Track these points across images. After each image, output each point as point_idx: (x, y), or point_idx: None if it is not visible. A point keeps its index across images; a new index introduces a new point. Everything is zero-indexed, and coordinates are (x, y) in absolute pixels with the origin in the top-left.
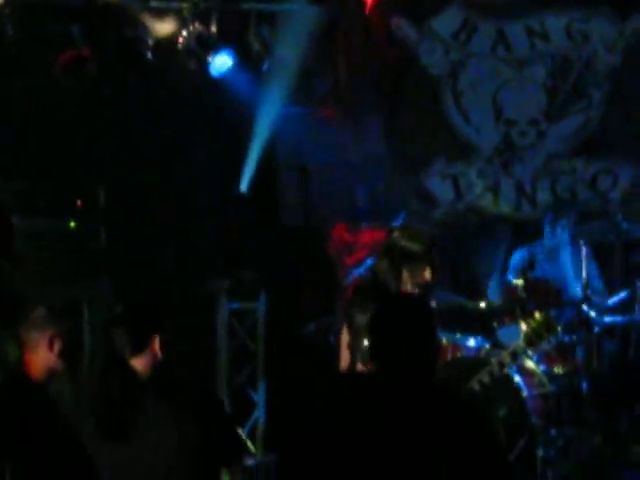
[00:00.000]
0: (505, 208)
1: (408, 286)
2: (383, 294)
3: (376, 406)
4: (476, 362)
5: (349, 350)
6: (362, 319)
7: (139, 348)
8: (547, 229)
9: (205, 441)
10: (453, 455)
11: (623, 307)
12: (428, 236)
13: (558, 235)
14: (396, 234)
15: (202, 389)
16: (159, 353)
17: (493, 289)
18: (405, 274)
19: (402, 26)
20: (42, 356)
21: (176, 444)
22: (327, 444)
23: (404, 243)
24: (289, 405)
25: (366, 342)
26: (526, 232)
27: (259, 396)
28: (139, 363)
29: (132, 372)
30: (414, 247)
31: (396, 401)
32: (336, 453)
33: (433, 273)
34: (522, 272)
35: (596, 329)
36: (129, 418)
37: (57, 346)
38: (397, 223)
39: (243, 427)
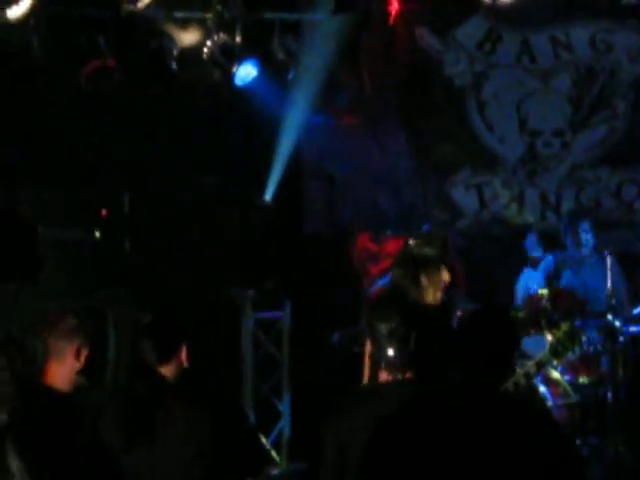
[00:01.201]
0: (530, 218)
1: (429, 291)
2: (404, 304)
3: (458, 417)
4: None
5: (370, 360)
6: (384, 329)
7: (166, 358)
8: (570, 239)
9: (228, 451)
10: (535, 465)
11: None
12: (440, 238)
13: (583, 244)
14: (410, 242)
15: (227, 399)
16: (185, 362)
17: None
18: (423, 280)
19: (426, 36)
20: (69, 365)
21: (200, 452)
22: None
23: (417, 250)
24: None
25: (390, 352)
26: (552, 242)
27: (284, 406)
28: (166, 371)
29: (160, 380)
30: (427, 252)
31: (481, 412)
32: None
33: (451, 274)
34: (547, 282)
35: (621, 339)
36: (156, 426)
37: (83, 356)
38: (423, 232)
39: (268, 437)
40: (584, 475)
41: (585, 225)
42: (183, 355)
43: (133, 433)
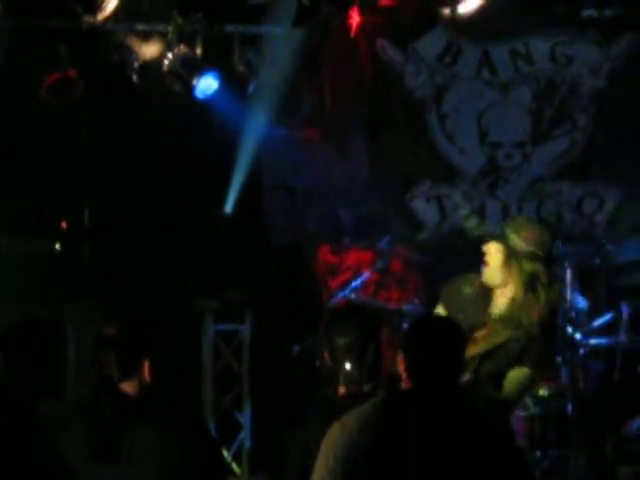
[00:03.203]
0: (490, 230)
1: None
2: (361, 317)
3: (411, 422)
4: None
5: (329, 373)
6: (342, 342)
7: (128, 373)
8: None
9: (193, 466)
10: (480, 467)
11: (608, 329)
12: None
13: None
14: None
15: (189, 413)
16: (147, 377)
17: None
18: None
19: (387, 49)
20: None
21: (164, 469)
22: (362, 461)
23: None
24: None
25: (347, 366)
26: None
27: (245, 417)
28: (128, 387)
29: (123, 396)
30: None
31: (432, 416)
32: (372, 470)
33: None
34: None
35: (581, 351)
36: (120, 441)
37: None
38: (382, 245)
39: (229, 448)
40: None
41: None
42: (146, 370)
43: (98, 451)
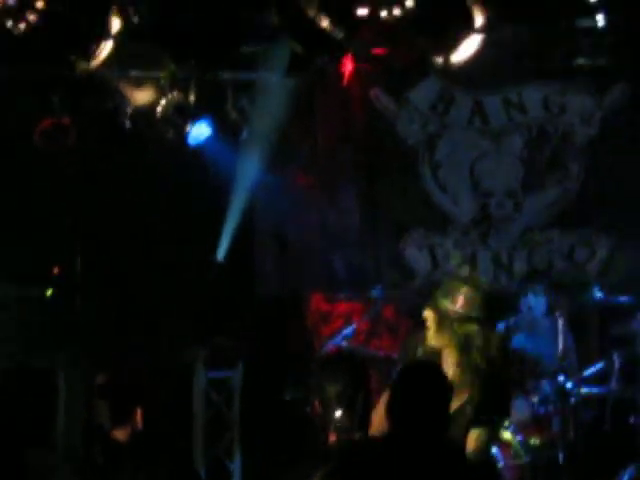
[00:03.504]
0: (482, 281)
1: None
2: (351, 365)
3: (393, 467)
4: None
5: (320, 421)
6: (332, 390)
7: (121, 420)
8: (523, 300)
9: None
10: None
11: (599, 378)
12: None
13: (534, 306)
14: None
15: (180, 461)
16: (139, 424)
17: None
18: None
19: (380, 97)
20: None
21: None
22: None
23: None
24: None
25: (338, 413)
26: (504, 305)
27: (235, 465)
28: (120, 434)
29: (115, 443)
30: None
31: (415, 462)
32: None
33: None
34: None
35: (572, 400)
36: None
37: None
38: (375, 294)
39: None
40: None
41: (537, 288)
42: (138, 417)
43: None
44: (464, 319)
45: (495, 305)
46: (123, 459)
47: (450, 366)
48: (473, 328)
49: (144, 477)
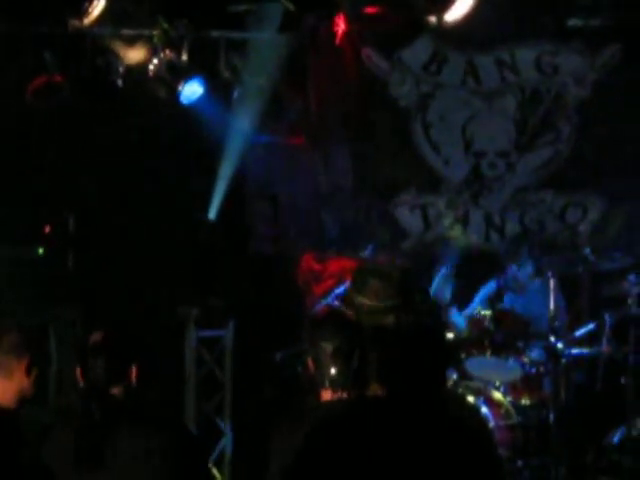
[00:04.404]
0: (474, 239)
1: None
2: (346, 322)
3: (388, 429)
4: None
5: (314, 380)
6: (329, 348)
7: (117, 379)
8: (512, 262)
9: (179, 472)
10: (460, 478)
11: (590, 339)
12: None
13: (524, 268)
14: None
15: (174, 419)
16: (134, 382)
17: (458, 320)
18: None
19: (372, 57)
20: (17, 382)
21: (146, 473)
22: (338, 469)
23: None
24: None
25: (333, 371)
26: (495, 264)
27: (226, 424)
28: (115, 391)
29: (113, 400)
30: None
31: (409, 424)
32: (347, 477)
33: None
34: (490, 303)
35: (563, 361)
36: (106, 447)
37: (34, 372)
38: (366, 253)
39: (210, 455)
40: None
41: (527, 249)
42: (133, 375)
43: (82, 456)
44: (374, 311)
45: (486, 265)
46: (120, 416)
47: None
48: (386, 319)
49: (141, 433)
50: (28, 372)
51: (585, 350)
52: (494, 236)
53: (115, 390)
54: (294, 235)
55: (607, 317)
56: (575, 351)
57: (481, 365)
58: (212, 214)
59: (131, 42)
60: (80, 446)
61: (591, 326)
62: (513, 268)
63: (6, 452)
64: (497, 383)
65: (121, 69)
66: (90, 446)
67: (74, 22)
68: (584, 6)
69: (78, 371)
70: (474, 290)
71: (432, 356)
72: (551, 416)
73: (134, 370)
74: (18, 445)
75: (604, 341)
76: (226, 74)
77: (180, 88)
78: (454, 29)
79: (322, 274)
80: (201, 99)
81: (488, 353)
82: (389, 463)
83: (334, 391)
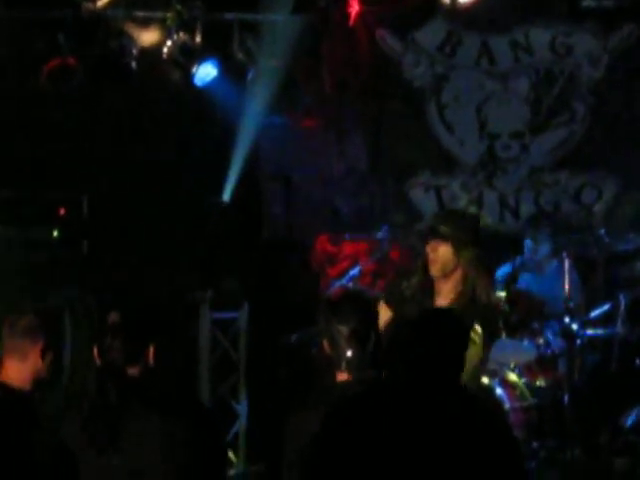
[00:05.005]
0: (488, 220)
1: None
2: (362, 304)
3: (405, 412)
4: None
5: (329, 362)
6: (345, 330)
7: (134, 359)
8: (529, 242)
9: (191, 450)
10: (478, 461)
11: (605, 320)
12: None
13: (540, 248)
14: None
15: (189, 398)
16: (152, 362)
17: None
18: None
19: (386, 38)
20: (31, 365)
21: (163, 453)
22: (355, 451)
23: None
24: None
25: (349, 352)
26: (510, 245)
27: (241, 407)
28: (133, 371)
29: (129, 379)
30: None
31: (425, 406)
32: (365, 460)
33: None
34: (505, 284)
35: (578, 342)
36: (122, 428)
37: (49, 356)
38: (380, 235)
39: (225, 437)
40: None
41: (538, 235)
42: (150, 356)
43: (97, 437)
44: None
45: (501, 246)
46: (135, 396)
47: (451, 287)
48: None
49: (156, 412)
50: (43, 355)
51: (600, 331)
52: (509, 217)
53: (132, 370)
54: (308, 217)
55: (622, 298)
56: (590, 332)
57: (496, 346)
58: (226, 196)
59: (145, 24)
60: (92, 427)
61: (606, 307)
62: (530, 248)
63: (20, 433)
64: (512, 364)
65: (135, 51)
66: (103, 427)
67: (87, 5)
68: None
69: (95, 351)
70: None
71: (450, 340)
72: (566, 397)
73: (151, 351)
74: (32, 427)
75: (619, 322)
76: (240, 56)
77: (194, 70)
78: (468, 10)
79: (337, 256)
80: (215, 81)
81: (503, 334)
82: (405, 445)
83: (350, 373)
